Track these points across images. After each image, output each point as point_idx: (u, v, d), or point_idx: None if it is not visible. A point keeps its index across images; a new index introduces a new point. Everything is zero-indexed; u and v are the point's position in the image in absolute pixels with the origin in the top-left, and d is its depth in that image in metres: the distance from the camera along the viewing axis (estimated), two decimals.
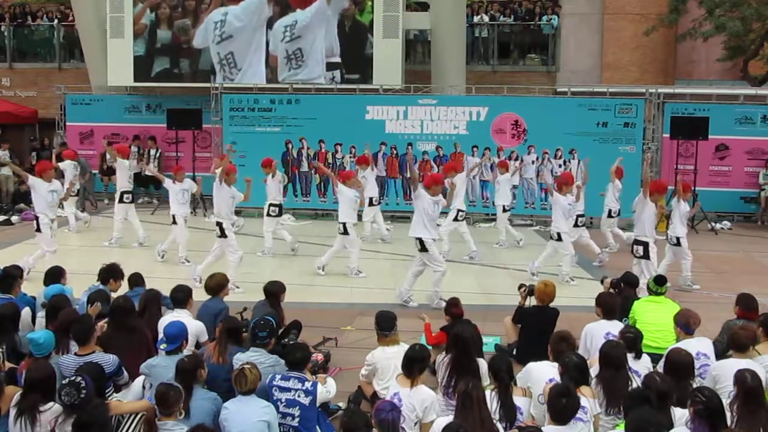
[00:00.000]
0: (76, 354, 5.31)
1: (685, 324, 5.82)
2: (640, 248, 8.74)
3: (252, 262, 10.76)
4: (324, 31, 15.90)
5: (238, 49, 16.20)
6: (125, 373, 5.37)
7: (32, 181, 9.69)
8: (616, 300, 6.49)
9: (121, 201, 12.00)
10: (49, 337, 5.32)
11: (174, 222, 10.84)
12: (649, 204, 8.96)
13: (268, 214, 11.55)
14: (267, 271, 10.18)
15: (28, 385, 4.64)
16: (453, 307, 6.72)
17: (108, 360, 5.24)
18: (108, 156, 16.43)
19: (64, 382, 4.58)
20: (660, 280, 6.92)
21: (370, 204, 12.35)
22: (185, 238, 10.86)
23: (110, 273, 6.98)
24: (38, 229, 9.69)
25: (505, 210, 12.33)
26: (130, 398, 5.25)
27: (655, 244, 9.00)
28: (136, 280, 7.07)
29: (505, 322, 7.25)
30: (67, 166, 13.14)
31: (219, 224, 9.42)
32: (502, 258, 11.58)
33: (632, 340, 5.43)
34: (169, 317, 6.07)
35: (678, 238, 9.46)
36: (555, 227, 9.83)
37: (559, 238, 9.74)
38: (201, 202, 14.97)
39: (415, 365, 5.01)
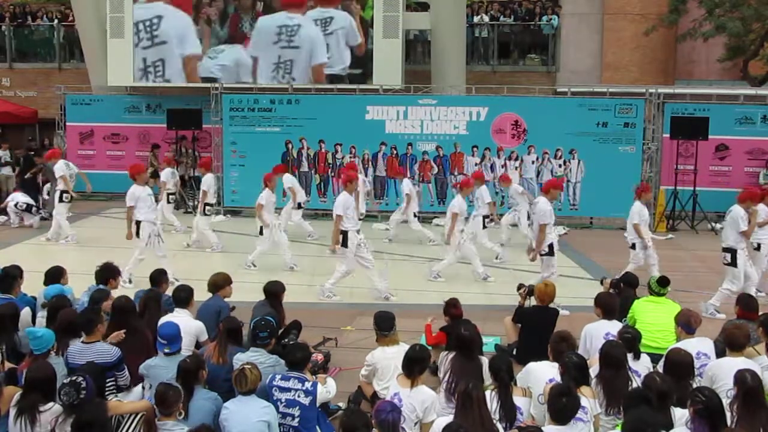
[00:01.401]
0: (82, 342, 5.38)
1: (686, 324, 5.82)
2: (728, 255, 8.66)
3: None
4: None
5: (297, 57, 16.18)
6: (126, 369, 5.38)
7: (134, 189, 9.53)
8: (616, 300, 6.48)
9: (60, 200, 12.31)
10: (48, 331, 5.33)
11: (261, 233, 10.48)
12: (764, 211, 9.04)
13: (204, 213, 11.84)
14: (267, 270, 10.16)
15: (28, 385, 4.64)
16: (452, 307, 6.68)
17: (110, 351, 5.30)
18: (152, 160, 16.46)
19: (64, 381, 4.58)
20: (663, 282, 6.91)
21: (299, 207, 12.56)
22: (267, 246, 10.50)
23: (108, 273, 6.98)
24: (138, 235, 9.65)
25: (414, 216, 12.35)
26: (131, 398, 5.26)
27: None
28: (158, 275, 6.95)
29: (505, 322, 7.25)
30: (166, 174, 13.13)
31: (344, 233, 8.95)
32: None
33: (630, 341, 5.42)
34: (168, 317, 6.06)
35: (759, 244, 9.27)
36: (630, 236, 9.55)
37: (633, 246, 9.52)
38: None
39: (415, 365, 5.01)
